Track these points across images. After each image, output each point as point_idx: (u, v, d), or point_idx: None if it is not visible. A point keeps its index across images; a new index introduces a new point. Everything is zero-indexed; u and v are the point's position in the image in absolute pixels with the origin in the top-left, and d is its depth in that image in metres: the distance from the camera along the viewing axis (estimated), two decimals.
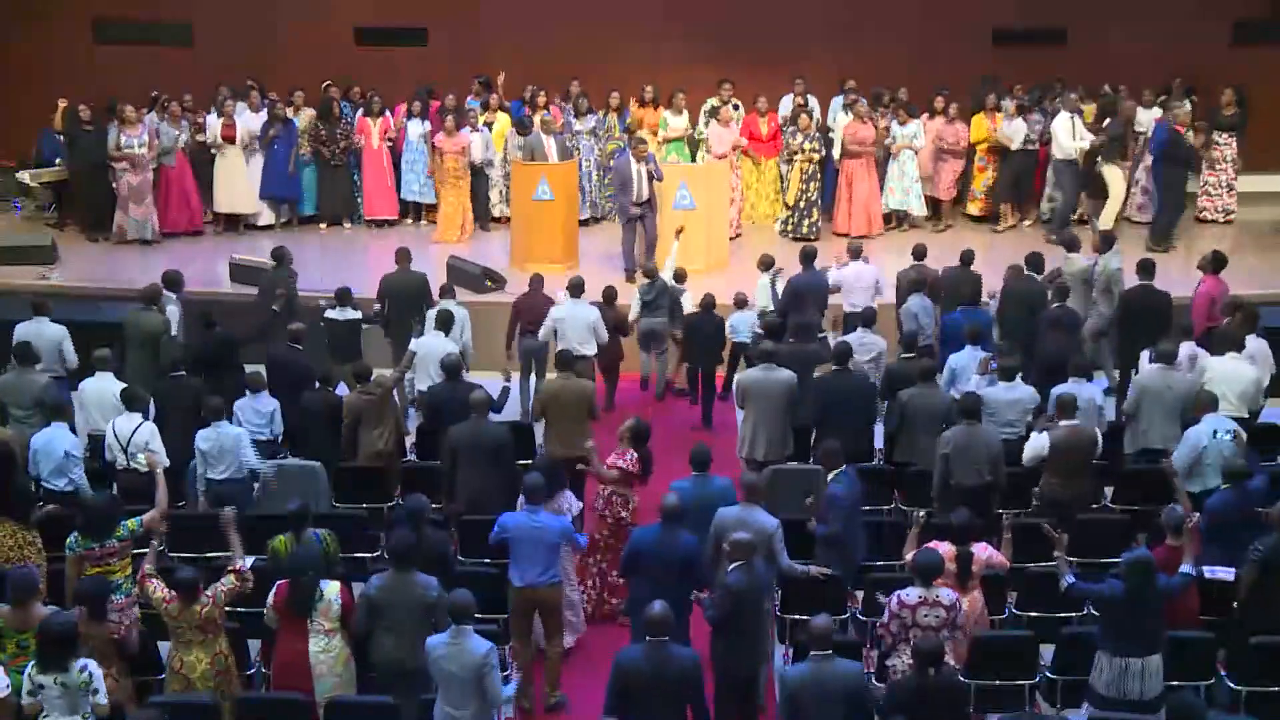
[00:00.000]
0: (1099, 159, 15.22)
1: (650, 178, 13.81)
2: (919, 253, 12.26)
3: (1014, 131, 15.69)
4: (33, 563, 8.16)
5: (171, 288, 11.58)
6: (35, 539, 8.26)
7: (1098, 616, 7.51)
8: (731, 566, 7.31)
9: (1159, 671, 7.23)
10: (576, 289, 11.38)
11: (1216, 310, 11.11)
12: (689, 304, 12.23)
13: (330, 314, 11.63)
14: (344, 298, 11.68)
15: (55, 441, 9.04)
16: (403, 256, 12.15)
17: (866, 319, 11.07)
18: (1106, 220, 15.04)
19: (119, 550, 7.68)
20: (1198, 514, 8.03)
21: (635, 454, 8.95)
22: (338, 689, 7.20)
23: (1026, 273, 11.90)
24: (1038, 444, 9.12)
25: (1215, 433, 8.99)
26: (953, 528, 7.73)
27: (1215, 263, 11.60)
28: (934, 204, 16.24)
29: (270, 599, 7.34)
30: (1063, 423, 9.03)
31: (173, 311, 11.40)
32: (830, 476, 8.39)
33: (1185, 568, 7.49)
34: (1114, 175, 15.29)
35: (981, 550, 7.71)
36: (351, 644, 7.34)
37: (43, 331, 10.78)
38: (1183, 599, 7.57)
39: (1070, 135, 15.17)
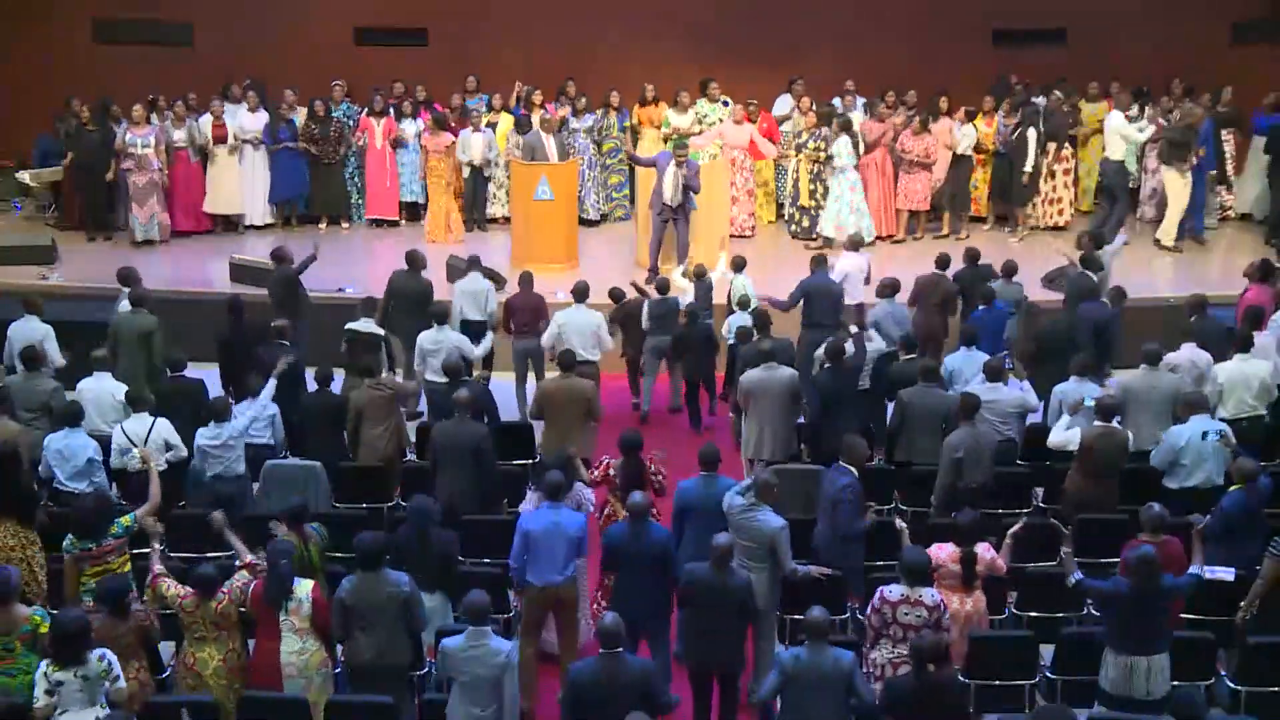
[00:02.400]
0: (1162, 163, 14.98)
1: (685, 185, 13.56)
2: (942, 262, 12.00)
3: (962, 136, 15.49)
4: (36, 563, 8.19)
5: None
6: (36, 539, 8.27)
7: (1100, 615, 7.50)
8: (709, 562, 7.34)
9: (1164, 670, 7.22)
10: (581, 294, 11.34)
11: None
12: (744, 289, 11.90)
13: (352, 325, 11.17)
14: (370, 307, 11.27)
15: (77, 446, 9.03)
16: (413, 259, 11.91)
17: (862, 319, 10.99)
18: (1168, 229, 14.89)
19: (115, 547, 7.71)
20: (1199, 517, 7.98)
21: (609, 460, 8.91)
22: (307, 691, 7.08)
23: (1082, 272, 11.83)
24: (1068, 437, 9.07)
25: (1205, 434, 8.97)
26: (958, 528, 7.70)
27: (1263, 270, 11.47)
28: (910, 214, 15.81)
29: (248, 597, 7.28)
30: (1097, 423, 8.98)
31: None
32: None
33: (1194, 569, 7.48)
34: (1174, 181, 14.94)
35: (985, 551, 7.69)
36: (329, 647, 7.29)
37: (26, 331, 10.69)
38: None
39: (1124, 137, 14.90)
